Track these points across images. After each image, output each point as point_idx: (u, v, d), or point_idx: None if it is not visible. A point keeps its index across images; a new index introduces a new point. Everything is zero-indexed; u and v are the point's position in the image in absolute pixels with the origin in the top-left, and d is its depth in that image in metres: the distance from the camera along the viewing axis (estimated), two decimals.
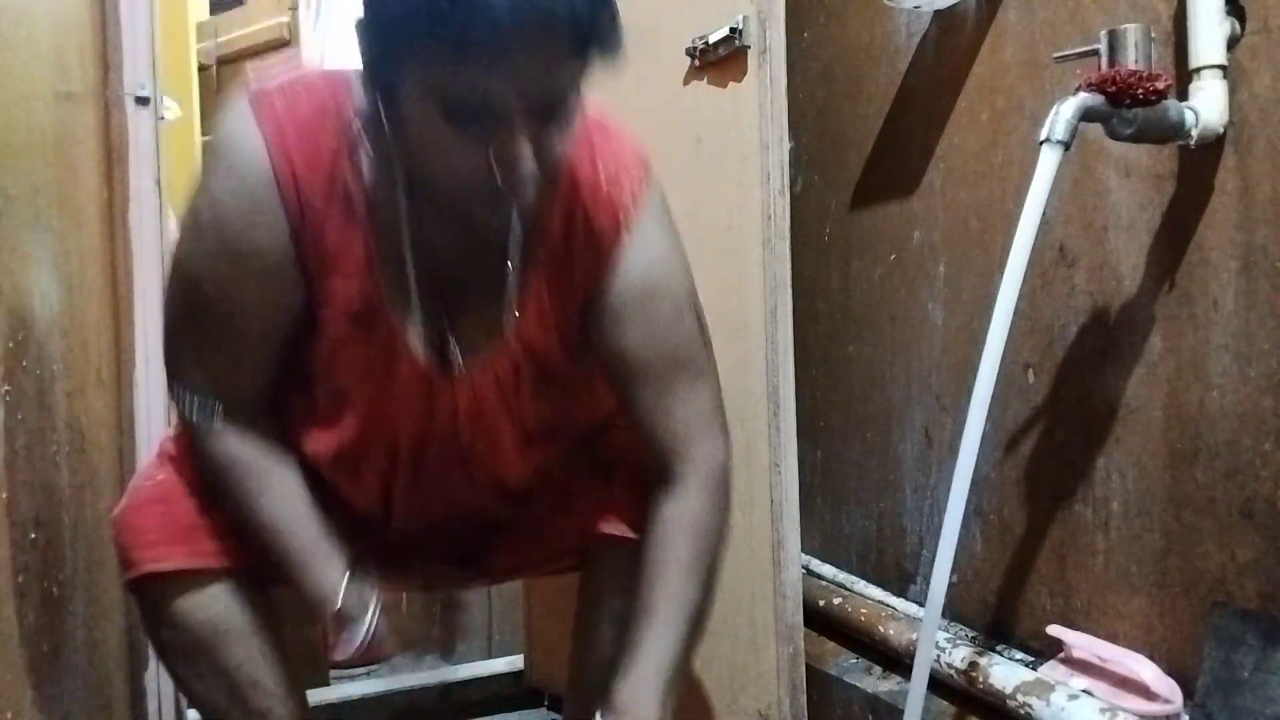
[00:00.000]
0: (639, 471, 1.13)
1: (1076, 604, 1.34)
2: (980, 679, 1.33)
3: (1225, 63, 1.11)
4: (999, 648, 1.42)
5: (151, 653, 1.49)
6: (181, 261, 1.02)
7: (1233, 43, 1.12)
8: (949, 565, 1.12)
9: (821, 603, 1.68)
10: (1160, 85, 1.08)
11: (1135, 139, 1.13)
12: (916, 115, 1.62)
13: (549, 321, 1.05)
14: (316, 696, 1.79)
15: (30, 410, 1.18)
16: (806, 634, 1.50)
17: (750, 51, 1.60)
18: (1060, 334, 1.35)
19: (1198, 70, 1.12)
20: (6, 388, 1.10)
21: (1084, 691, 1.22)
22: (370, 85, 0.90)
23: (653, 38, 1.83)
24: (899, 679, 1.53)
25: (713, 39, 1.66)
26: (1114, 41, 1.12)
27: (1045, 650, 1.35)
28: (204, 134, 3.17)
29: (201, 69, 3.33)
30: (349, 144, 0.94)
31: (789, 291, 1.62)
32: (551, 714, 1.88)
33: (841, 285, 1.81)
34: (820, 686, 1.58)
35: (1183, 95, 1.15)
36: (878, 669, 1.58)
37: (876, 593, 1.68)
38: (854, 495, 1.78)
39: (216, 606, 1.09)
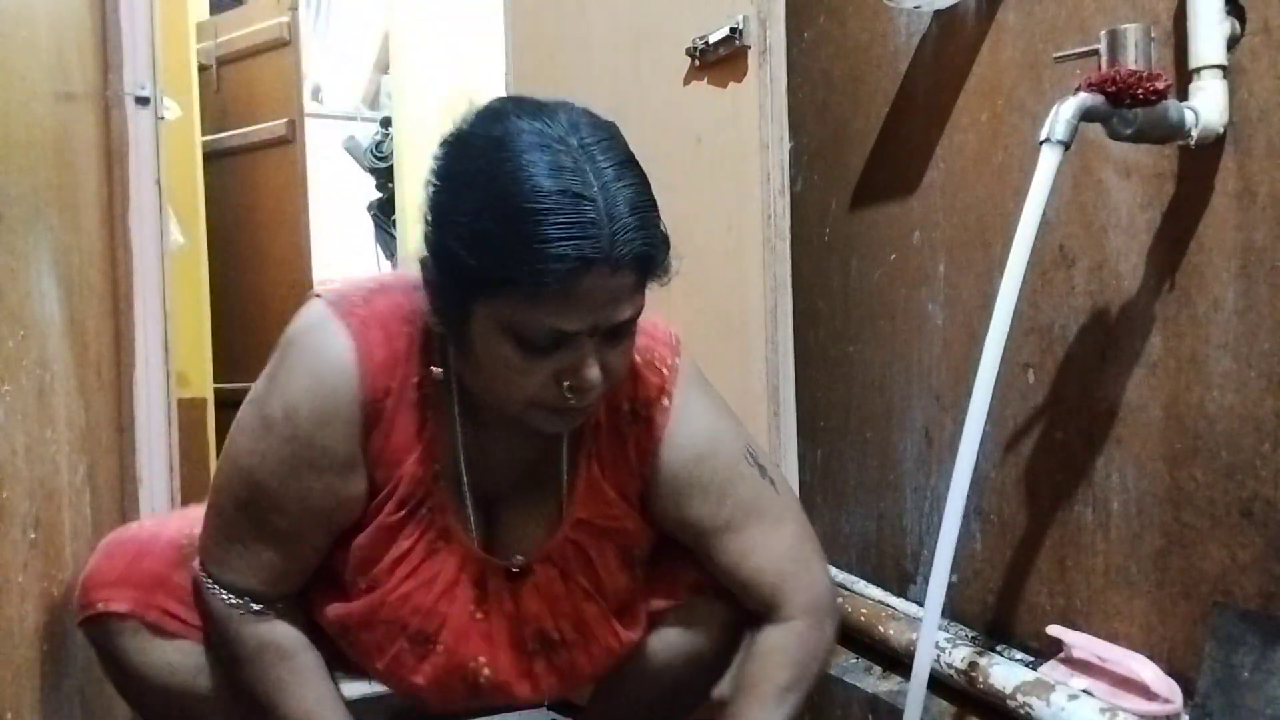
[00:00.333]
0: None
1: (1076, 604, 1.34)
2: (980, 679, 1.33)
3: (1225, 63, 1.11)
4: (999, 648, 1.42)
5: None
6: (243, 457, 1.01)
7: (1233, 43, 1.12)
8: (949, 565, 1.12)
9: None
10: (1160, 85, 1.08)
11: (1135, 139, 1.13)
12: (916, 115, 1.62)
13: (605, 498, 1.07)
14: None
15: (30, 410, 1.18)
16: None
17: (750, 51, 1.60)
18: (1060, 334, 1.35)
19: (1198, 70, 1.12)
20: (6, 388, 1.10)
21: (1084, 691, 1.22)
22: (436, 313, 0.94)
23: (653, 38, 1.83)
24: (899, 679, 1.53)
25: (713, 39, 1.66)
26: (1114, 41, 1.12)
27: (1045, 650, 1.35)
28: (203, 134, 3.18)
29: (201, 69, 3.33)
30: (418, 349, 0.99)
31: (789, 291, 1.62)
32: (551, 714, 1.88)
33: (841, 285, 1.81)
34: (820, 686, 1.57)
35: (1183, 95, 1.15)
36: (878, 669, 1.58)
37: (876, 593, 1.68)
38: (854, 495, 1.78)
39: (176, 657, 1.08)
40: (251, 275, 3.42)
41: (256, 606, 1.03)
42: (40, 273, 1.26)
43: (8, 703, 1.06)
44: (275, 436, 0.98)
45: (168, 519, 1.18)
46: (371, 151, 3.97)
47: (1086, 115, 1.10)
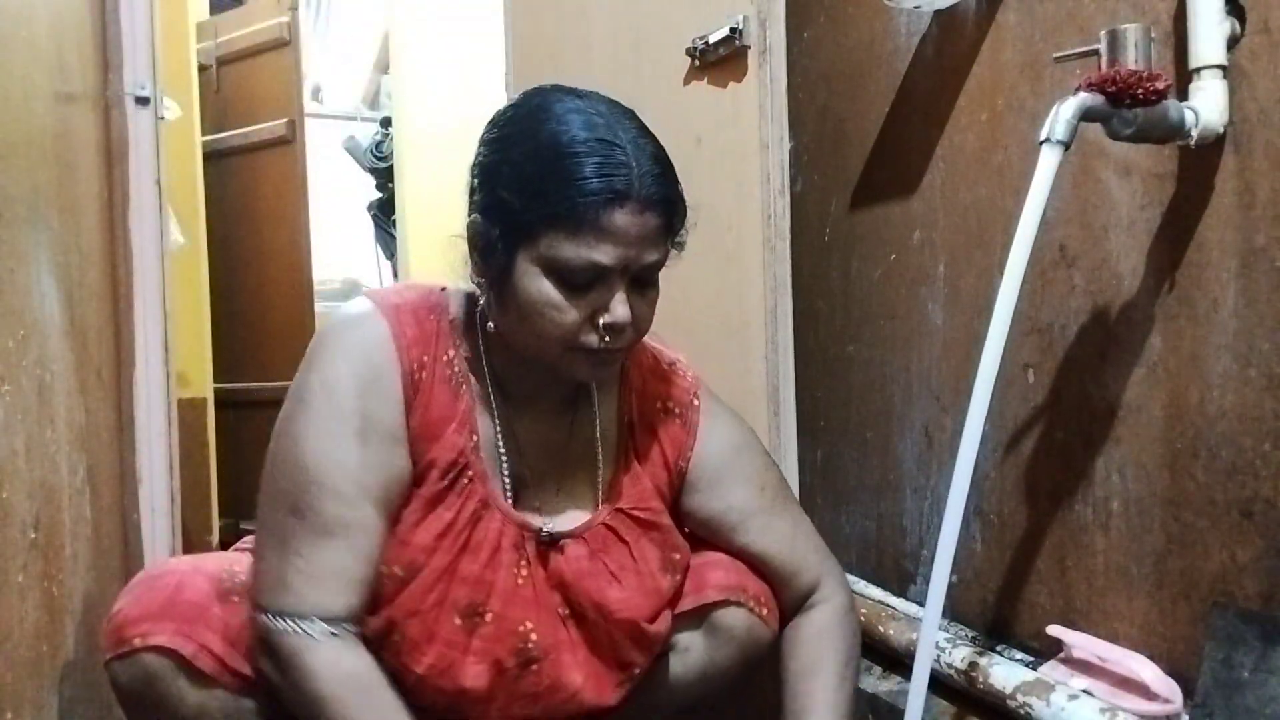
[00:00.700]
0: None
1: (1076, 604, 1.34)
2: (980, 679, 1.33)
3: (1225, 63, 1.11)
4: (999, 648, 1.42)
5: None
6: (287, 449, 1.01)
7: (1233, 43, 1.12)
8: (949, 565, 1.12)
9: None
10: (1160, 85, 1.08)
11: (1135, 139, 1.12)
12: (916, 115, 1.62)
13: (640, 489, 1.13)
14: None
15: (30, 410, 1.18)
16: None
17: (750, 51, 1.60)
18: (1060, 334, 1.35)
19: (1198, 70, 1.12)
20: (6, 388, 1.10)
21: (1084, 691, 1.22)
22: (481, 266, 1.02)
23: (653, 38, 1.83)
24: (899, 679, 1.53)
25: (713, 39, 1.66)
26: (1114, 41, 1.12)
27: (1045, 650, 1.35)
28: (203, 134, 3.18)
29: (201, 69, 3.33)
30: (448, 332, 1.07)
31: (789, 291, 1.62)
32: None
33: (841, 285, 1.81)
34: None
35: (1183, 95, 1.15)
36: (878, 669, 1.58)
37: (876, 593, 1.68)
38: (854, 495, 1.78)
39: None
40: (251, 275, 3.42)
41: (331, 629, 0.98)
42: (40, 273, 1.26)
43: (8, 703, 1.06)
44: (318, 412, 1.01)
45: (204, 558, 1.13)
46: (371, 151, 3.97)
47: (1086, 115, 1.10)
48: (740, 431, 1.20)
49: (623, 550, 1.11)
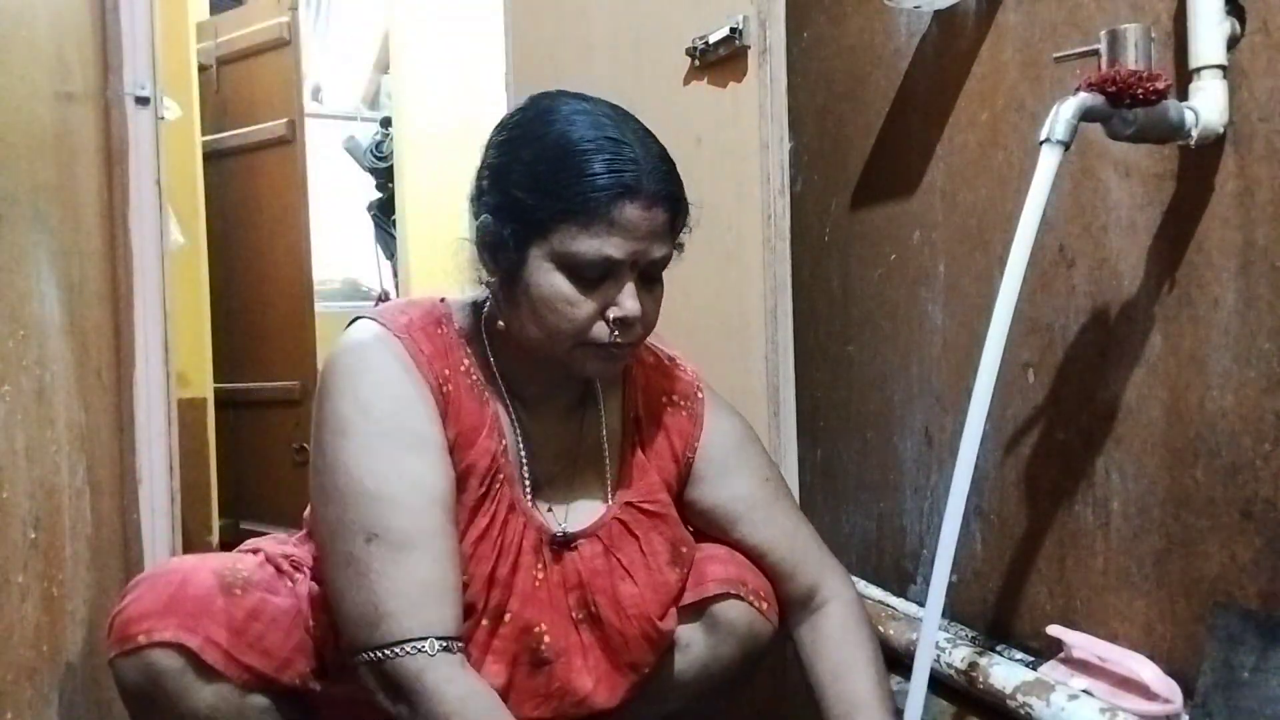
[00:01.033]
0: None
1: (1076, 604, 1.34)
2: (980, 679, 1.33)
3: (1225, 63, 1.11)
4: (999, 648, 1.42)
5: None
6: (341, 483, 0.99)
7: (1233, 43, 1.12)
8: (949, 565, 1.12)
9: None
10: (1160, 85, 1.08)
11: (1135, 139, 1.12)
12: (916, 115, 1.62)
13: (648, 482, 1.15)
14: None
15: (30, 410, 1.18)
16: None
17: (750, 51, 1.60)
18: (1060, 334, 1.35)
19: (1198, 70, 1.12)
20: (6, 388, 1.10)
21: (1084, 691, 1.22)
22: (492, 265, 1.04)
23: (653, 38, 1.83)
24: (899, 679, 1.53)
25: (713, 39, 1.66)
26: (1114, 41, 1.12)
27: (1045, 650, 1.35)
28: (203, 134, 3.18)
29: (201, 69, 3.33)
30: (458, 344, 1.09)
31: (789, 291, 1.62)
32: None
33: (841, 285, 1.81)
34: None
35: (1183, 95, 1.15)
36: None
37: (876, 593, 1.68)
38: (854, 495, 1.78)
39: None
40: (251, 275, 3.42)
41: (442, 644, 0.96)
42: (40, 273, 1.26)
43: (8, 703, 1.06)
44: (362, 436, 0.99)
45: (206, 557, 1.13)
46: (371, 151, 3.97)
47: (1086, 115, 1.10)
48: (742, 424, 1.23)
49: (633, 545, 1.12)
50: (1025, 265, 1.09)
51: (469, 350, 1.09)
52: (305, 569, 1.13)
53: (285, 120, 3.36)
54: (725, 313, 1.70)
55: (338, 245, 4.50)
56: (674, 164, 1.03)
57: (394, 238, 3.88)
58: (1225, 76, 1.11)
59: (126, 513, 1.68)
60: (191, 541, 2.66)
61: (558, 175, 0.98)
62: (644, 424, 1.16)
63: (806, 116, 1.87)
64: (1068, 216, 1.33)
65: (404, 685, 0.95)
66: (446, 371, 1.05)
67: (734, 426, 1.21)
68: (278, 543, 1.18)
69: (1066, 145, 1.08)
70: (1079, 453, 1.32)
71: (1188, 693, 1.16)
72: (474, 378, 1.08)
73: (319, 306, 3.39)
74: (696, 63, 1.71)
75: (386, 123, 3.93)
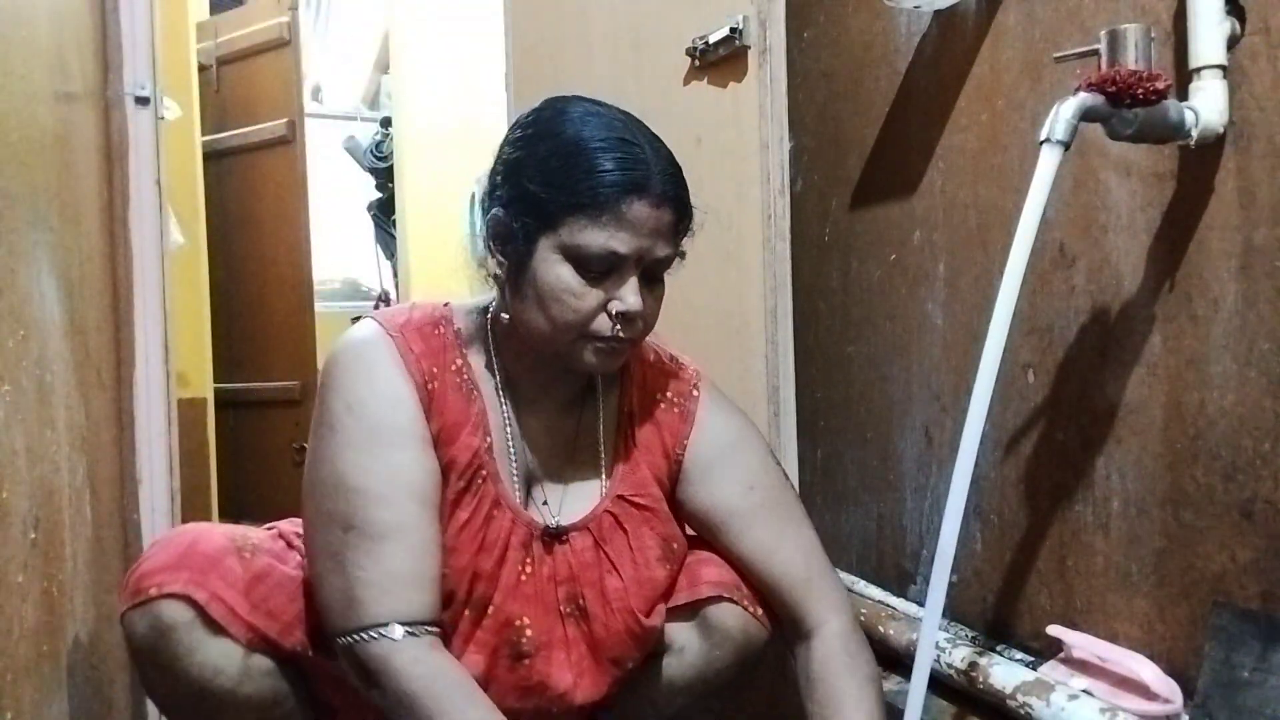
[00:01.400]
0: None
1: (1076, 604, 1.34)
2: (980, 679, 1.33)
3: (1225, 63, 1.11)
4: (999, 648, 1.42)
5: None
6: (326, 477, 1.04)
7: (1233, 43, 1.12)
8: (949, 565, 1.12)
9: None
10: (1160, 85, 1.08)
11: (1135, 139, 1.13)
12: (916, 115, 1.62)
13: (639, 476, 1.15)
14: None
15: (30, 410, 1.18)
16: None
17: (750, 51, 1.60)
18: (1060, 334, 1.35)
19: (1198, 70, 1.12)
20: (6, 388, 1.10)
21: (1084, 691, 1.22)
22: (501, 257, 1.07)
23: (653, 38, 1.83)
24: (899, 679, 1.53)
25: (713, 39, 1.66)
26: (1114, 41, 1.12)
27: (1045, 650, 1.35)
28: (203, 134, 3.18)
29: (201, 69, 3.33)
30: (454, 344, 1.12)
31: (789, 291, 1.62)
32: None
33: (841, 285, 1.81)
34: None
35: (1183, 95, 1.15)
36: (878, 669, 1.58)
37: (876, 593, 1.68)
38: (854, 495, 1.78)
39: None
40: (251, 275, 3.42)
41: (408, 630, 1.00)
42: (40, 273, 1.26)
43: (8, 702, 1.06)
44: (348, 432, 1.04)
45: (218, 524, 1.17)
46: (371, 151, 3.97)
47: (1086, 115, 1.10)
48: (741, 429, 1.20)
49: (622, 540, 1.13)
50: (1025, 265, 1.09)
51: (466, 350, 1.12)
52: None
53: (285, 120, 3.36)
54: (725, 313, 1.70)
55: (338, 245, 4.50)
56: (681, 170, 1.06)
57: (394, 238, 3.88)
58: (1225, 76, 1.11)
59: (126, 513, 1.68)
60: None
61: (570, 170, 1.01)
62: (637, 419, 1.17)
63: (806, 116, 1.87)
64: (1068, 216, 1.33)
65: (373, 668, 0.99)
66: (435, 370, 1.08)
67: (728, 428, 1.19)
68: (293, 524, 1.21)
69: (1066, 145, 1.08)
70: (1079, 453, 1.32)
71: (1188, 693, 1.16)
72: (464, 376, 1.10)
73: (319, 306, 3.40)
74: (696, 63, 1.71)
75: (386, 123, 3.92)
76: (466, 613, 1.08)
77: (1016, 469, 1.42)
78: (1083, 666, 1.27)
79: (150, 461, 1.71)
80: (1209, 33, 1.11)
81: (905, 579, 1.66)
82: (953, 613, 1.52)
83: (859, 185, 1.76)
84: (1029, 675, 1.29)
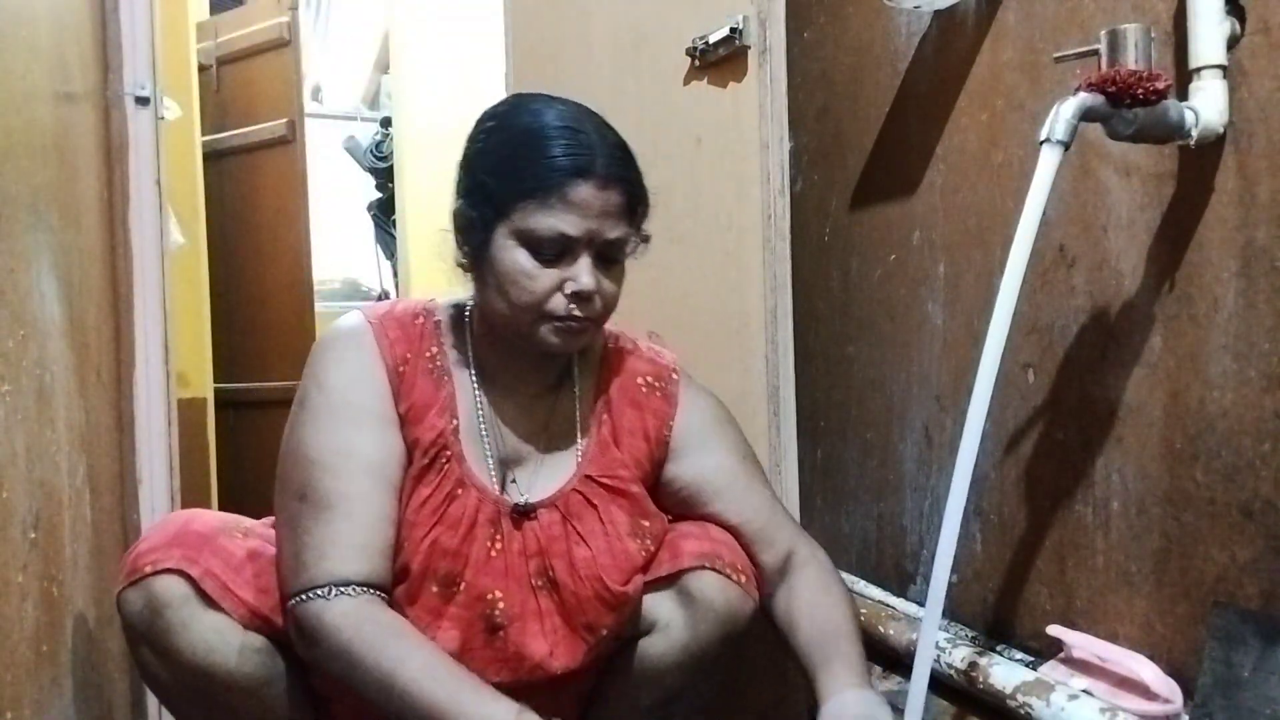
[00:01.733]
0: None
1: (1076, 604, 1.34)
2: (980, 679, 1.33)
3: (1225, 63, 1.11)
4: (999, 648, 1.42)
5: None
6: (290, 449, 1.11)
7: (1233, 43, 1.12)
8: (949, 565, 1.12)
9: None
10: (1160, 85, 1.08)
11: (1135, 139, 1.12)
12: (916, 115, 1.62)
13: (612, 458, 1.19)
14: None
15: (30, 411, 1.19)
16: None
17: (750, 51, 1.60)
18: (1060, 334, 1.35)
19: (1198, 70, 1.12)
20: (6, 388, 1.10)
21: (1084, 691, 1.22)
22: (464, 246, 1.13)
23: (653, 38, 1.83)
24: (899, 679, 1.53)
25: (713, 39, 1.66)
26: (1114, 41, 1.12)
27: (1045, 650, 1.35)
28: (203, 134, 3.18)
29: (201, 69, 3.33)
30: (433, 333, 1.18)
31: (789, 291, 1.62)
32: None
33: (841, 285, 1.81)
34: None
35: (1183, 95, 1.15)
36: (878, 669, 1.58)
37: (876, 593, 1.68)
38: (854, 495, 1.78)
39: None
40: (251, 275, 3.42)
41: (343, 590, 1.03)
42: (40, 273, 1.26)
43: (8, 703, 1.06)
44: (313, 409, 1.11)
45: (212, 511, 1.24)
46: (371, 151, 3.97)
47: (1086, 115, 1.10)
48: (719, 406, 1.28)
49: (592, 515, 1.17)
50: (1025, 265, 1.09)
51: (444, 339, 1.17)
52: None
53: (285, 120, 3.36)
54: (725, 313, 1.69)
55: (338, 245, 4.50)
56: (631, 153, 1.12)
57: (394, 238, 3.88)
58: (1225, 76, 1.11)
59: (126, 513, 1.68)
60: None
61: (519, 159, 1.08)
62: (615, 405, 1.22)
63: (806, 116, 1.87)
64: (1068, 216, 1.33)
65: (309, 626, 1.03)
66: (408, 355, 1.14)
67: (710, 405, 1.27)
68: None
69: (1066, 145, 1.08)
70: (1079, 453, 1.32)
71: (1188, 693, 1.16)
72: (437, 363, 1.16)
73: (319, 306, 3.39)
74: (696, 63, 1.71)
75: (386, 123, 3.92)
76: (434, 589, 1.11)
77: (1016, 469, 1.42)
78: (1083, 666, 1.27)
79: (150, 461, 1.71)
80: (1209, 33, 1.11)
81: (905, 579, 1.66)
82: (953, 613, 1.52)
83: (859, 185, 1.76)
84: (1029, 675, 1.29)
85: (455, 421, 1.15)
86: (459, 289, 1.20)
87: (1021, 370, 1.40)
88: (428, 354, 1.16)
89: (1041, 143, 1.09)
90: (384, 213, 3.98)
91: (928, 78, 1.60)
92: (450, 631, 1.11)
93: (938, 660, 1.39)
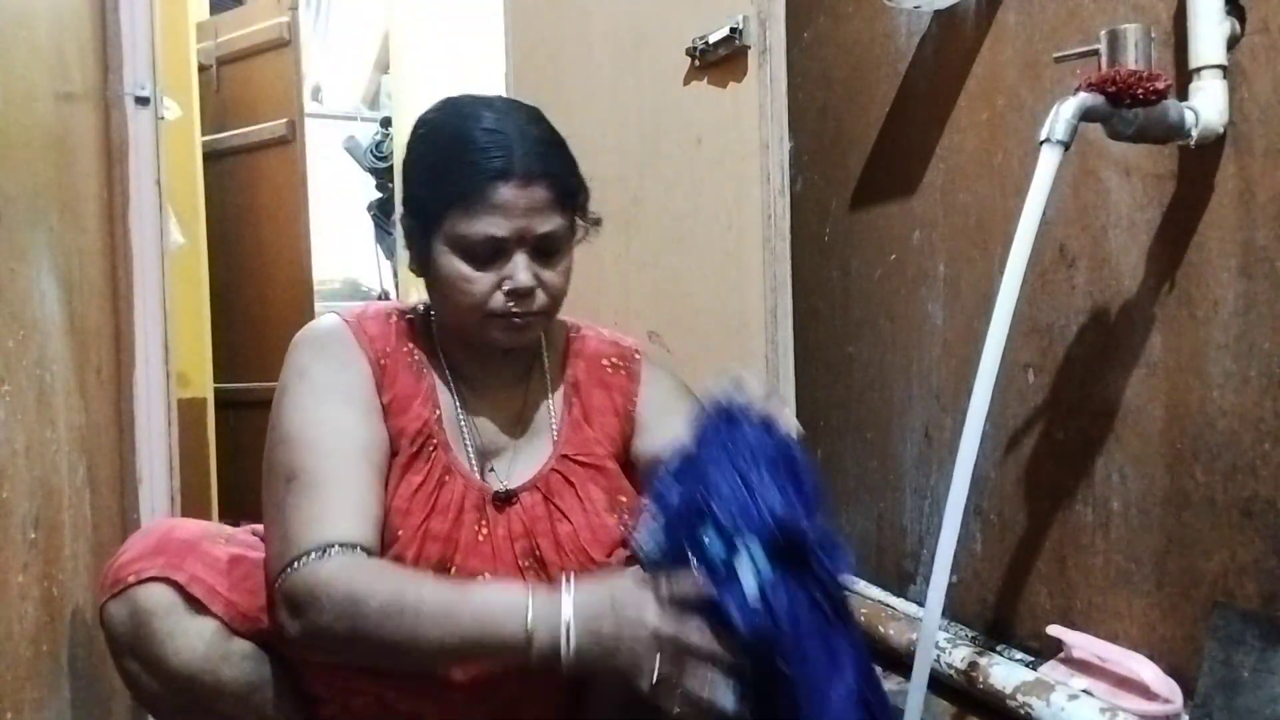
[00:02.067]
0: None
1: (1076, 604, 1.34)
2: (980, 679, 1.33)
3: (1225, 63, 1.11)
4: (999, 648, 1.42)
5: None
6: (275, 437, 1.10)
7: (1233, 43, 1.12)
8: (949, 565, 1.12)
9: None
10: (1160, 85, 1.08)
11: (1135, 139, 1.13)
12: (916, 115, 1.62)
13: (584, 437, 1.21)
14: None
15: (30, 410, 1.19)
16: None
17: (750, 51, 1.60)
18: (1060, 334, 1.35)
19: (1198, 70, 1.12)
20: (6, 388, 1.10)
21: (1084, 691, 1.22)
22: (413, 255, 1.16)
23: (653, 38, 1.83)
24: (899, 679, 1.53)
25: (713, 39, 1.66)
26: (1114, 41, 1.12)
27: (1045, 650, 1.35)
28: (203, 134, 3.17)
29: (201, 69, 3.32)
30: (406, 332, 1.19)
31: (789, 291, 1.62)
32: None
33: (841, 285, 1.81)
34: None
35: (1183, 95, 1.15)
36: (878, 669, 1.58)
37: (876, 593, 1.68)
38: (854, 495, 1.78)
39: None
40: (251, 275, 3.42)
41: (351, 549, 1.01)
42: (40, 272, 1.26)
43: (8, 703, 1.06)
44: (296, 394, 1.11)
45: (191, 519, 1.22)
46: (371, 151, 3.97)
47: (1086, 115, 1.10)
48: (679, 383, 1.30)
49: (571, 493, 1.18)
50: (1025, 265, 1.10)
51: (415, 339, 1.19)
52: None
53: (285, 120, 3.36)
54: (725, 313, 1.70)
55: (338, 245, 4.50)
56: (556, 146, 1.13)
57: (394, 238, 3.88)
58: (1225, 76, 1.11)
59: (126, 513, 1.68)
60: None
61: (444, 168, 1.10)
62: (584, 387, 1.24)
63: (806, 116, 1.87)
64: (1068, 216, 1.33)
65: (302, 591, 0.99)
66: (388, 350, 1.16)
67: (673, 383, 1.28)
68: None
69: (1066, 145, 1.08)
70: (1079, 453, 1.32)
71: (1188, 693, 1.16)
72: (415, 358, 1.18)
73: (319, 306, 3.39)
74: (696, 63, 1.71)
75: (386, 123, 3.92)
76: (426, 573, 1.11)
77: (1016, 469, 1.42)
78: (1083, 666, 1.27)
79: (150, 461, 1.71)
80: (1209, 33, 1.11)
81: (905, 579, 1.66)
82: (953, 613, 1.52)
83: (859, 185, 1.76)
84: (1029, 675, 1.29)
85: (438, 411, 1.17)
86: None
87: (1021, 370, 1.40)
88: (405, 349, 1.18)
89: (1041, 143, 1.09)
90: (384, 213, 3.98)
91: (928, 78, 1.60)
92: None
93: (938, 660, 1.39)
